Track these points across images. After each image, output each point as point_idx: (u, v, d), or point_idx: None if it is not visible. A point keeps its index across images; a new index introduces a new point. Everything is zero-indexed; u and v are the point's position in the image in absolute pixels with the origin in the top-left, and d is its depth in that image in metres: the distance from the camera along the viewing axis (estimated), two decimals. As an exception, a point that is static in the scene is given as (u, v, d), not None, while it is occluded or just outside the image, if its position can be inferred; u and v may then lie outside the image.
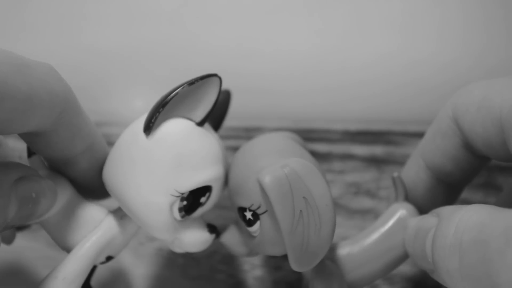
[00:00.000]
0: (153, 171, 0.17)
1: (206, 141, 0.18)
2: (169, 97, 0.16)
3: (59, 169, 0.18)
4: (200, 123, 0.18)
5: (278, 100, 0.39)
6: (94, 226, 0.19)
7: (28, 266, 0.27)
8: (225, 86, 0.20)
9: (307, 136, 0.34)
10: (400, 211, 0.20)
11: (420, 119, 0.31)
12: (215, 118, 0.23)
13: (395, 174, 0.21)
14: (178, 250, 0.19)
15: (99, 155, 0.18)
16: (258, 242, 0.18)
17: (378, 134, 0.34)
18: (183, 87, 0.17)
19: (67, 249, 0.18)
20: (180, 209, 0.18)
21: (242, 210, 0.18)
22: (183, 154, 0.17)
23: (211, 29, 0.40)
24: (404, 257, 0.19)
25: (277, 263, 0.26)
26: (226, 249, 0.20)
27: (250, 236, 0.18)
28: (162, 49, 0.40)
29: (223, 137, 0.21)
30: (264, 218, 0.17)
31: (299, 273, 0.25)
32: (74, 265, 0.18)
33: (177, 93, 0.16)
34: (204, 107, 0.18)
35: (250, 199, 0.17)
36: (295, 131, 0.24)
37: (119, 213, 0.19)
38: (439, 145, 0.19)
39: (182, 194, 0.17)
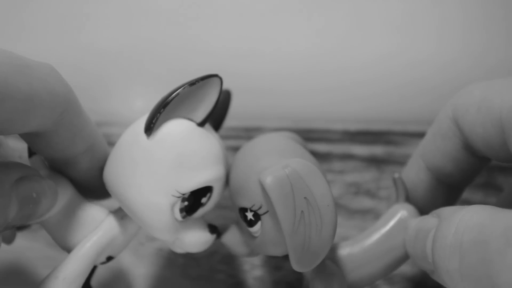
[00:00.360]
0: (154, 171, 0.17)
1: (207, 141, 0.18)
2: (170, 98, 0.16)
3: (59, 169, 0.18)
4: (201, 124, 0.18)
5: (278, 100, 0.39)
6: (95, 226, 0.19)
7: (28, 266, 0.27)
8: (225, 86, 0.20)
9: (307, 136, 0.34)
10: (401, 212, 0.20)
11: (420, 119, 0.31)
12: (215, 118, 0.23)
13: (396, 175, 0.21)
14: (179, 250, 0.19)
15: (100, 155, 0.18)
16: (259, 243, 0.18)
17: (378, 134, 0.34)
18: (184, 88, 0.17)
19: (68, 249, 0.18)
20: (181, 210, 0.18)
21: (243, 210, 0.18)
22: (184, 154, 0.17)
23: (211, 29, 0.40)
24: (404, 257, 0.19)
25: (277, 263, 0.26)
26: (226, 249, 0.20)
27: (251, 236, 0.18)
28: (162, 49, 0.40)
29: (223, 137, 0.21)
30: (265, 218, 0.17)
31: (299, 273, 0.25)
32: (74, 265, 0.18)
33: (178, 94, 0.16)
34: (205, 107, 0.18)
35: (251, 199, 0.17)
36: (295, 131, 0.24)
37: (120, 213, 0.19)
38: (439, 146, 0.19)
39: (183, 194, 0.17)
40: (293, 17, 0.38)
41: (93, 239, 0.18)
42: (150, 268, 0.27)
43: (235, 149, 0.21)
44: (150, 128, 0.17)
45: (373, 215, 0.28)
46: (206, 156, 0.18)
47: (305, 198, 0.16)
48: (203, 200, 0.19)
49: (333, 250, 0.19)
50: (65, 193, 0.18)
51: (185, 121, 0.18)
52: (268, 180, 0.16)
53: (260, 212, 0.17)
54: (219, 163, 0.18)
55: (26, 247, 0.28)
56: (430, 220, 0.17)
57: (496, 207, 0.14)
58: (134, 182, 0.17)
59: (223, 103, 0.24)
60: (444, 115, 0.19)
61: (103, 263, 0.19)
